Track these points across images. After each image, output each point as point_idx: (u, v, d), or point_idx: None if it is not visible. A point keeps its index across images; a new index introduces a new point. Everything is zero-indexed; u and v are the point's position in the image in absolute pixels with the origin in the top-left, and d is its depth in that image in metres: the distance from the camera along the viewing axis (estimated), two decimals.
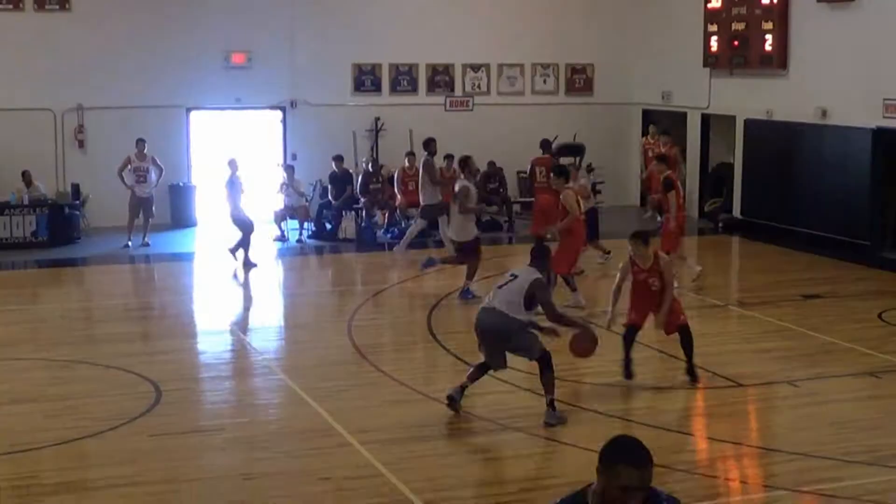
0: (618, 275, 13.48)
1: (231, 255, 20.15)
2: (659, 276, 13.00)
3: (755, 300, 17.67)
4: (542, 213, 18.91)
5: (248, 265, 19.96)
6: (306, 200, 23.59)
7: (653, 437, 11.26)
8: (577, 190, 17.68)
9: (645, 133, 26.71)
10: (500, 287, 11.89)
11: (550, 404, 11.78)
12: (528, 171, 22.99)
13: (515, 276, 11.86)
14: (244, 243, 20.11)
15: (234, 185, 20.42)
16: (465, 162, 18.23)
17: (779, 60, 23.19)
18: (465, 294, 17.29)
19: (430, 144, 21.65)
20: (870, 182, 21.09)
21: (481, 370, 12.10)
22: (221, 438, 11.51)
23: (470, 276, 17.49)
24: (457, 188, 17.71)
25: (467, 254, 17.58)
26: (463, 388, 11.98)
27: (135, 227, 22.21)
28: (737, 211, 24.60)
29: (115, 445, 11.16)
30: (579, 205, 16.84)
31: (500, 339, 11.80)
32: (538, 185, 21.13)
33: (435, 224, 21.44)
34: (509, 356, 12.00)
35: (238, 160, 20.88)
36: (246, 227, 20.20)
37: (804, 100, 22.53)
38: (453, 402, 11.91)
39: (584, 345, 12.02)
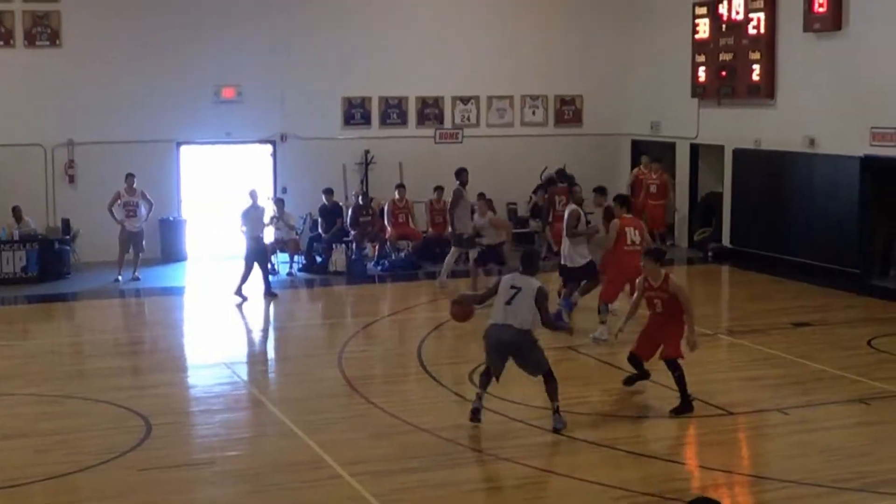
0: (636, 292, 13.71)
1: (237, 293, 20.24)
2: (666, 298, 13.10)
3: (745, 328, 17.70)
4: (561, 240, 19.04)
5: (241, 297, 20.07)
6: (296, 234, 23.60)
7: (643, 466, 11.31)
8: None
9: (635, 164, 26.79)
10: (507, 303, 12.29)
11: (556, 411, 12.39)
12: (546, 200, 23.00)
13: (518, 289, 12.29)
14: (246, 276, 20.31)
15: (247, 215, 20.69)
16: (570, 188, 19.08)
17: (766, 90, 23.32)
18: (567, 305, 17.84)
19: (461, 174, 21.63)
20: (858, 210, 21.18)
21: (488, 376, 12.64)
22: (212, 472, 11.48)
23: (582, 293, 17.95)
24: (566, 214, 17.85)
25: (590, 276, 17.83)
26: (479, 396, 12.61)
27: (125, 261, 22.20)
28: (726, 240, 24.66)
29: (106, 480, 11.14)
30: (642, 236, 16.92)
31: (514, 354, 12.41)
32: (557, 213, 21.19)
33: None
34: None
35: (257, 192, 21.27)
36: (251, 259, 20.32)
37: (792, 129, 22.65)
38: (477, 413, 12.49)
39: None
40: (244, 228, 20.64)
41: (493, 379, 12.57)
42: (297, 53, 25.30)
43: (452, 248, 21.39)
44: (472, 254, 20.83)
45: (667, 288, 13.13)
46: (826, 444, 12.22)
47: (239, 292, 20.11)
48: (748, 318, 18.36)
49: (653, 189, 24.73)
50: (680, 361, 13.05)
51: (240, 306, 19.87)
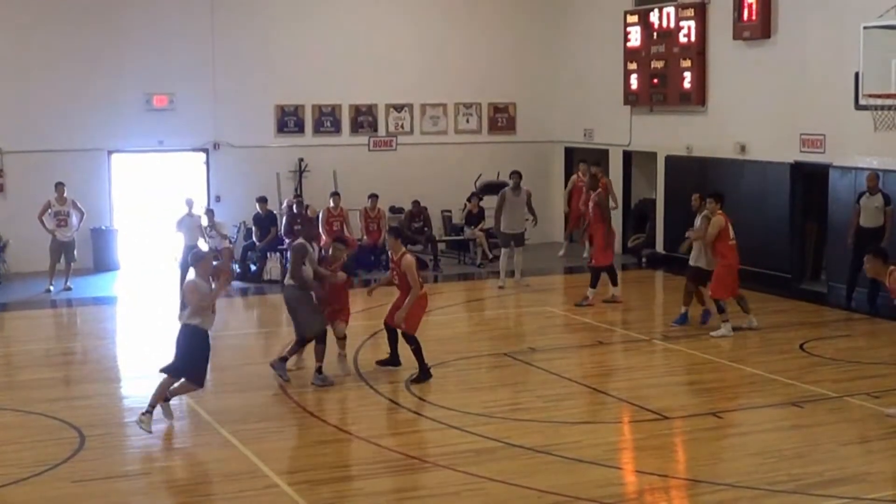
0: None
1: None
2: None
3: (679, 334, 17.83)
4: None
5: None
6: (230, 242, 23.43)
7: (580, 472, 11.35)
8: None
9: (571, 171, 26.89)
10: None
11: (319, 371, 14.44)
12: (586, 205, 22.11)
13: None
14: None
15: (182, 224, 20.69)
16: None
17: (697, 97, 23.55)
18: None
19: (513, 176, 22.31)
20: (789, 215, 21.46)
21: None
22: (146, 483, 11.38)
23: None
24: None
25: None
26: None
27: (56, 271, 21.98)
28: (660, 246, 24.86)
29: (39, 492, 10.99)
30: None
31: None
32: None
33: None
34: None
35: (194, 200, 21.30)
36: (187, 267, 20.28)
37: (723, 135, 22.90)
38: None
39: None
40: (180, 235, 20.57)
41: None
42: (229, 61, 25.18)
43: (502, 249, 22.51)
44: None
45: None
46: (760, 447, 12.34)
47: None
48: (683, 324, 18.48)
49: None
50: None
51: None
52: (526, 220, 22.42)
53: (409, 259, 15.19)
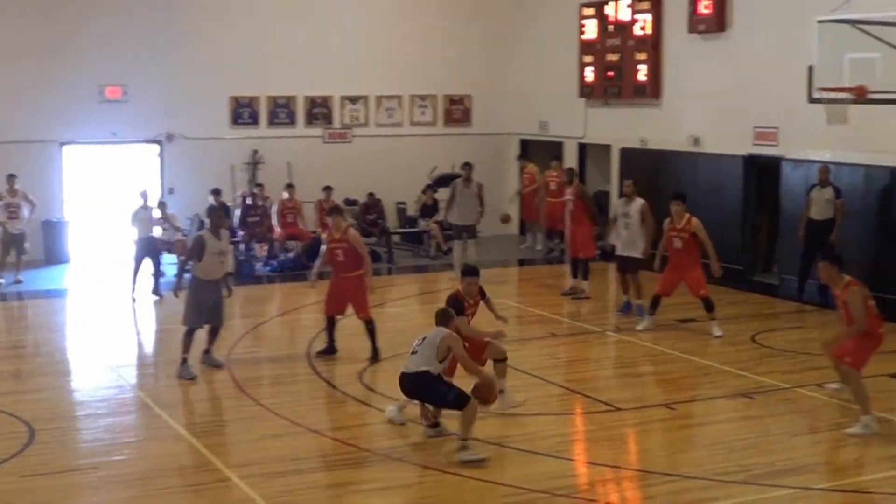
0: None
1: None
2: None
3: (632, 325, 17.89)
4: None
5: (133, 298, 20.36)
6: (183, 234, 23.30)
7: (532, 463, 11.36)
8: None
9: (523, 163, 26.93)
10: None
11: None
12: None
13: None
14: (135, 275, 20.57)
15: (136, 216, 20.64)
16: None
17: (652, 90, 23.63)
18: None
19: (464, 168, 22.58)
20: (742, 208, 21.58)
21: None
22: (97, 477, 11.28)
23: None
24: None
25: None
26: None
27: (7, 263, 21.77)
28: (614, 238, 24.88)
29: None
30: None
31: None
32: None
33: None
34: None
35: (147, 192, 21.21)
36: (140, 259, 20.59)
37: (677, 128, 22.99)
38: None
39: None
40: (134, 228, 20.58)
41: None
42: (183, 52, 25.03)
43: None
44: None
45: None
46: (711, 439, 12.42)
47: (133, 295, 20.35)
48: (632, 315, 18.52)
49: (553, 187, 24.83)
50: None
51: (133, 307, 19.87)
52: (479, 211, 22.43)
53: (354, 231, 15.86)
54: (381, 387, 14.39)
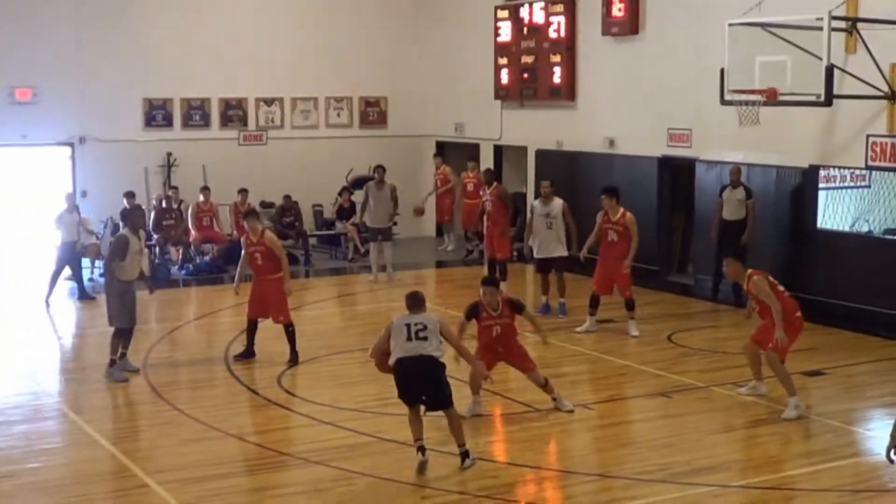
0: None
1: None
2: None
3: (549, 326, 17.90)
4: None
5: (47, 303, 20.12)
6: (97, 238, 23.00)
7: (453, 465, 11.37)
8: None
9: (438, 161, 26.95)
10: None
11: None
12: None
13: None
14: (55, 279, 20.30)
15: (61, 220, 20.44)
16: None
17: (567, 92, 23.78)
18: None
19: (377, 171, 22.61)
20: (657, 209, 21.79)
21: None
22: (12, 485, 11.10)
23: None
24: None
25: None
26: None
27: None
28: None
29: None
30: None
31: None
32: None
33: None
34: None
35: (73, 196, 21.23)
36: (62, 264, 20.38)
37: (593, 130, 23.17)
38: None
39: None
40: (59, 232, 20.36)
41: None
42: (95, 54, 24.73)
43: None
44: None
45: None
46: (629, 438, 12.55)
47: (48, 300, 20.07)
48: (552, 316, 18.63)
49: (469, 188, 24.92)
50: None
51: (48, 312, 19.69)
52: (397, 214, 22.43)
53: (271, 234, 15.95)
54: (300, 390, 14.34)
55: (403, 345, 11.43)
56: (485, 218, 20.67)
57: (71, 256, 20.42)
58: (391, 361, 11.47)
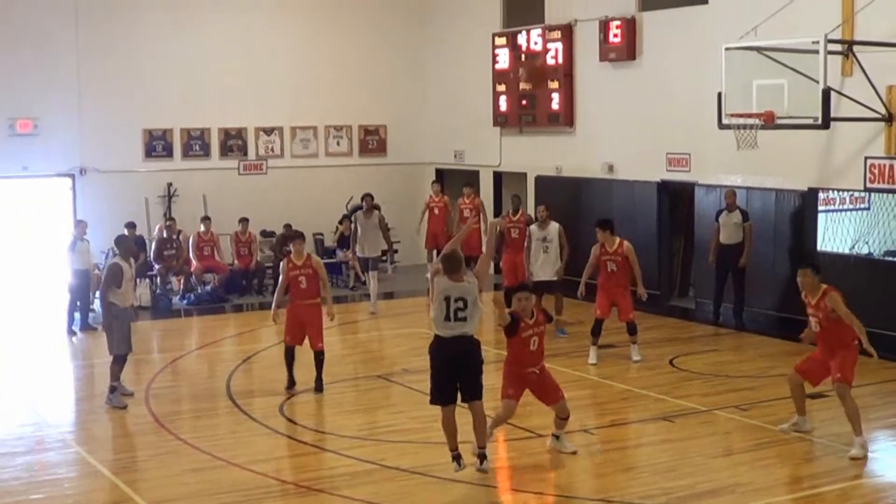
0: None
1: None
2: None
3: (550, 352, 17.81)
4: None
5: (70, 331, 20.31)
6: (98, 269, 23.03)
7: (456, 492, 11.35)
8: None
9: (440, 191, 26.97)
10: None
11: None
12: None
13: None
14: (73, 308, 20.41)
15: (73, 247, 20.48)
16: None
17: (566, 118, 23.85)
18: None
19: (364, 199, 22.23)
20: (657, 233, 21.82)
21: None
22: None
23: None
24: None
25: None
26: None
27: None
28: None
29: None
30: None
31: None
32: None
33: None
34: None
35: (84, 223, 21.16)
36: (77, 292, 20.46)
37: (592, 155, 23.22)
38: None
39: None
40: (71, 260, 20.43)
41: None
42: (95, 85, 24.80)
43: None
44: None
45: None
46: (632, 462, 12.52)
47: (70, 328, 20.23)
48: (554, 342, 18.61)
49: (467, 213, 24.95)
50: None
51: (71, 340, 19.90)
52: (396, 241, 22.44)
53: (316, 257, 16.11)
54: (302, 419, 14.33)
55: (442, 323, 11.38)
56: (503, 245, 20.40)
57: (85, 285, 20.46)
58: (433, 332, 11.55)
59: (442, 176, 27.80)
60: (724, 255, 19.53)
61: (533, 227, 19.30)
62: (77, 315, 20.50)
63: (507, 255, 20.45)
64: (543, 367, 12.48)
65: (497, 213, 26.22)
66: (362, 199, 22.43)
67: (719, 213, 19.77)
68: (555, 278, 18.82)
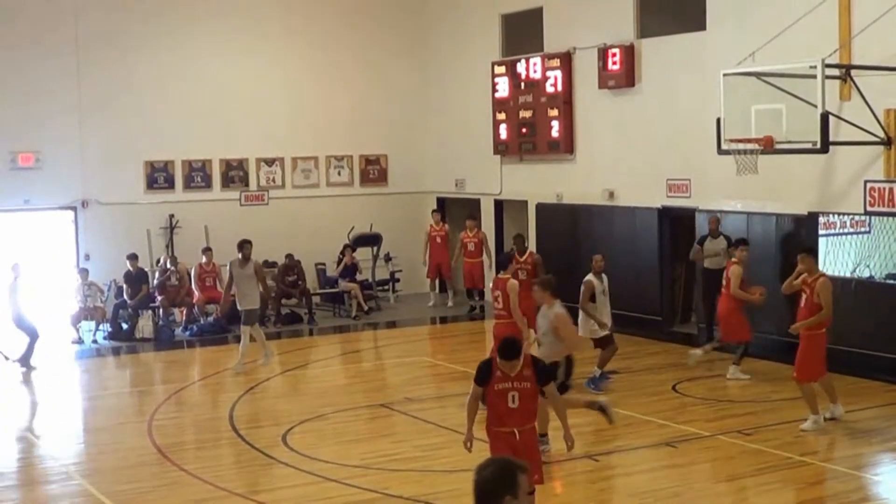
0: None
1: (21, 364, 19.82)
2: None
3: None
4: None
5: (28, 367, 19.94)
6: (101, 301, 23.11)
7: None
8: None
9: (440, 220, 27.04)
10: None
11: None
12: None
13: None
14: (30, 349, 20.05)
15: (15, 291, 20.24)
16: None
17: (566, 146, 23.91)
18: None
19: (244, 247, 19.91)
20: (658, 259, 21.85)
21: None
22: None
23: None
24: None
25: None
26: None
27: None
28: None
29: None
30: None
31: None
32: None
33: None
34: None
35: (21, 265, 20.65)
36: (30, 333, 19.99)
37: (592, 182, 23.27)
38: None
39: None
40: (11, 304, 20.35)
41: None
42: (96, 118, 24.90)
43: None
44: None
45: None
46: (636, 488, 12.50)
47: (27, 363, 20.13)
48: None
49: (471, 247, 25.01)
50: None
51: (28, 375, 19.78)
52: (398, 271, 22.36)
53: (513, 283, 15.85)
54: (305, 448, 14.32)
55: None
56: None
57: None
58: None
59: (443, 204, 27.87)
60: (710, 281, 19.47)
61: (593, 279, 17.54)
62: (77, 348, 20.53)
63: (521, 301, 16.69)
64: (530, 431, 10.25)
65: (499, 240, 26.30)
66: (239, 246, 19.85)
67: (702, 239, 19.85)
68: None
